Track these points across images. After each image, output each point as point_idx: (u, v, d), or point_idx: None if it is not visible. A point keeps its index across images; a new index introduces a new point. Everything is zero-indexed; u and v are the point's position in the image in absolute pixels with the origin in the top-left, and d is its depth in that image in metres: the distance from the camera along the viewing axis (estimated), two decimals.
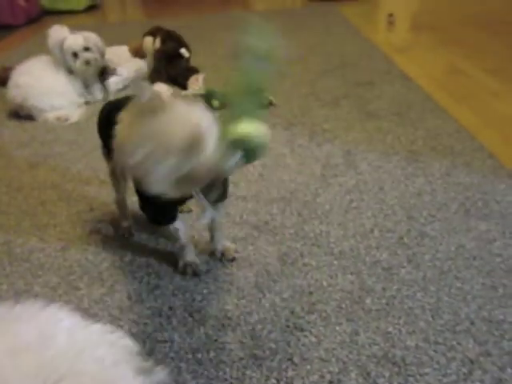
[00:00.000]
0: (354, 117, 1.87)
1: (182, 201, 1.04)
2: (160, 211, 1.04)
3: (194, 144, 0.77)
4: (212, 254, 1.18)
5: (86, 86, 2.18)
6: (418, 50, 2.66)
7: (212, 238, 1.16)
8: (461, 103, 1.95)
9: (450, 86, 2.13)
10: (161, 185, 0.80)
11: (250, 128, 0.85)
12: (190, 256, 1.12)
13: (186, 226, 1.12)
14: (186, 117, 0.80)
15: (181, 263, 1.12)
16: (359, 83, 2.19)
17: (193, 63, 2.47)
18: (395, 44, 2.79)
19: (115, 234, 1.28)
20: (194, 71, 2.38)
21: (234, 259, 1.16)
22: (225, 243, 1.17)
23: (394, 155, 1.59)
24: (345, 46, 2.76)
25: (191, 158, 0.77)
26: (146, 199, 0.99)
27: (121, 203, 1.27)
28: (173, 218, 1.05)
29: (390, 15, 3.25)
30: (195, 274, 1.11)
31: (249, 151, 0.86)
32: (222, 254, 1.16)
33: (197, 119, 0.80)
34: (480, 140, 1.64)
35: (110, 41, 2.62)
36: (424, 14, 3.53)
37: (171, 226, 1.06)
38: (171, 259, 1.17)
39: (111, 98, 2.23)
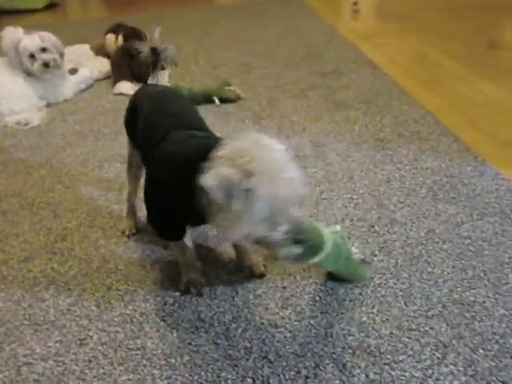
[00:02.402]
0: (322, 107, 1.87)
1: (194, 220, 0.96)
2: (169, 227, 0.97)
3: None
4: (239, 270, 1.09)
5: (47, 87, 2.10)
6: (383, 38, 2.67)
7: (237, 253, 1.08)
8: (426, 89, 1.97)
9: (415, 72, 2.14)
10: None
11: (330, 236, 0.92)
12: (195, 274, 1.05)
13: (193, 243, 1.04)
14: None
15: (184, 279, 1.04)
16: (326, 73, 2.19)
17: None
18: (361, 32, 2.80)
19: (81, 241, 1.24)
20: None
21: (263, 275, 1.06)
22: (252, 257, 1.07)
23: (362, 144, 1.59)
24: (310, 36, 2.75)
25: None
26: (155, 213, 0.94)
27: (130, 198, 1.24)
28: (181, 235, 0.98)
29: (355, 3, 3.27)
30: (199, 294, 1.03)
31: (311, 250, 0.87)
32: (250, 270, 1.07)
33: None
34: (446, 124, 1.66)
35: (72, 40, 2.54)
36: (389, 1, 3.55)
37: (179, 242, 1.00)
38: (141, 264, 1.14)
39: (74, 98, 2.16)
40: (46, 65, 1.98)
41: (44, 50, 1.98)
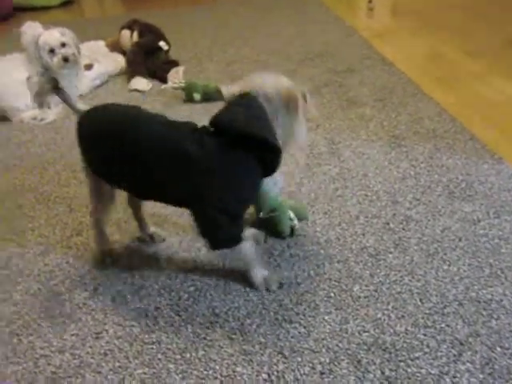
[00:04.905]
0: (336, 104, 1.85)
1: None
2: (234, 225, 0.95)
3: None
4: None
5: (63, 83, 2.11)
6: (398, 35, 2.64)
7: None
8: (442, 86, 1.94)
9: (430, 70, 2.12)
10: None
11: None
12: (264, 270, 1.04)
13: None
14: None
15: (260, 280, 1.03)
16: (340, 70, 2.17)
17: (172, 56, 2.42)
18: (375, 29, 2.77)
19: None
20: (173, 64, 2.33)
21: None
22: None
23: (377, 141, 1.58)
24: (325, 33, 2.73)
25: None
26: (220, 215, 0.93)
27: (100, 225, 1.12)
28: (241, 235, 0.97)
29: (370, 1, 3.23)
30: (281, 284, 1.04)
31: None
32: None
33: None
34: (461, 122, 1.64)
35: (88, 36, 2.56)
36: None
37: (242, 246, 0.98)
38: (155, 258, 1.15)
39: (89, 94, 2.18)
40: (65, 59, 1.99)
41: (64, 44, 2.00)
